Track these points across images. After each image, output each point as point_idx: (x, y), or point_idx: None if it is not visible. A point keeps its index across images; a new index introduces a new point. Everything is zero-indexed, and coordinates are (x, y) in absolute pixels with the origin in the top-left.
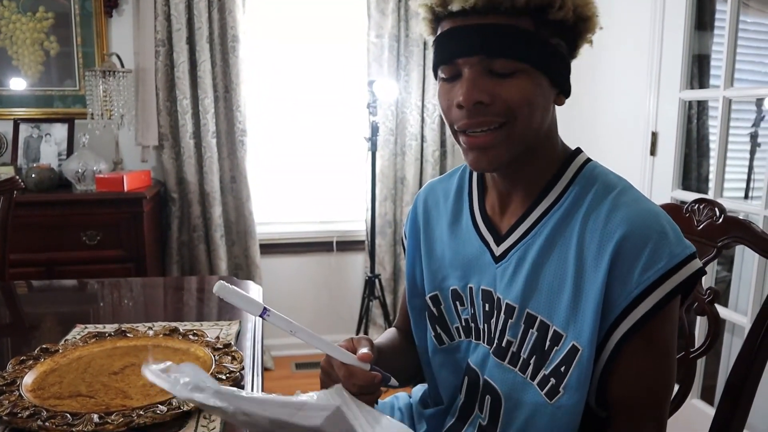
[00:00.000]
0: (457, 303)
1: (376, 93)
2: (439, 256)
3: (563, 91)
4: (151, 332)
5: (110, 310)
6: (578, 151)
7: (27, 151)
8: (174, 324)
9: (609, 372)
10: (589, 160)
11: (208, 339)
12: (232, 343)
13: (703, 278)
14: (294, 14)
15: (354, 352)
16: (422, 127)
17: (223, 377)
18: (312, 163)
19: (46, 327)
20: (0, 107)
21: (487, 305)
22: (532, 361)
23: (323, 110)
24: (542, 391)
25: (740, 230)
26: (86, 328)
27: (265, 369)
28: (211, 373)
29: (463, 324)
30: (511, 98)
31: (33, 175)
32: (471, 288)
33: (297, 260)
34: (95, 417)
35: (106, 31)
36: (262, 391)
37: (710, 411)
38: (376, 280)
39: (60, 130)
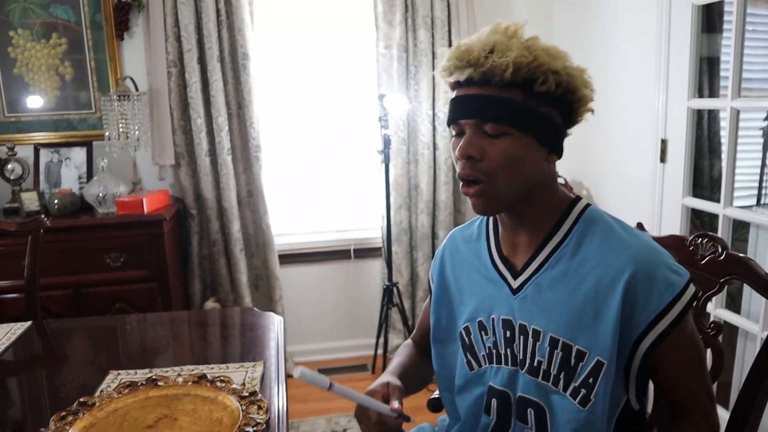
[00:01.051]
0: (482, 333)
1: (387, 107)
2: (467, 292)
3: (554, 150)
4: (180, 380)
5: (139, 351)
6: (578, 198)
7: (48, 175)
8: (202, 368)
9: (654, 374)
10: (588, 205)
11: (234, 386)
12: (257, 388)
13: (708, 310)
14: (302, 29)
15: (388, 396)
16: (434, 136)
17: (250, 430)
18: (327, 173)
19: (81, 371)
20: (20, 133)
21: (508, 332)
22: (561, 376)
23: (336, 121)
24: (575, 400)
25: (741, 268)
26: (119, 374)
27: (287, 375)
28: (239, 426)
29: (487, 351)
30: (496, 156)
31: (56, 201)
32: (493, 319)
33: (316, 269)
34: None
35: (119, 54)
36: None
37: (724, 414)
38: (395, 288)
39: (79, 154)
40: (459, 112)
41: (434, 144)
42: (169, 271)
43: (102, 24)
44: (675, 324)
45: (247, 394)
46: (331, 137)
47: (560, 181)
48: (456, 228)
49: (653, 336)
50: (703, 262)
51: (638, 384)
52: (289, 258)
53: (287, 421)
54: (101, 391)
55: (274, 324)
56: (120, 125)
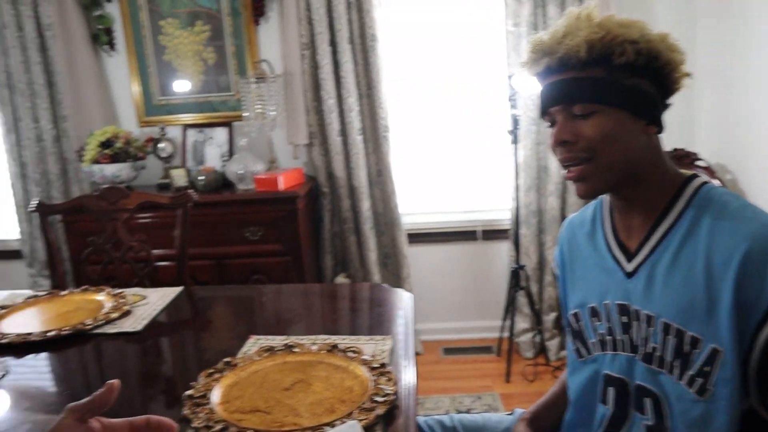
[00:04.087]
0: (594, 319)
1: (515, 86)
2: (581, 278)
3: (652, 122)
4: (314, 348)
5: (274, 320)
6: (694, 176)
7: (194, 154)
8: (334, 339)
9: None
10: (704, 183)
11: (365, 357)
12: (387, 361)
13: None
14: (429, 7)
15: None
16: None
17: (380, 399)
18: (455, 153)
19: (222, 336)
20: (170, 114)
21: (624, 317)
22: (677, 364)
23: (464, 100)
24: (691, 389)
25: None
26: (259, 340)
27: (416, 353)
28: (369, 395)
29: (599, 338)
30: (590, 135)
31: (201, 178)
32: (606, 304)
33: (442, 249)
34: None
35: (256, 38)
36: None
37: None
38: (522, 271)
39: (221, 133)
40: (546, 101)
41: None
42: (302, 246)
43: (240, 11)
44: None
45: (377, 366)
46: (460, 117)
47: (700, 164)
48: (573, 214)
49: None
50: None
51: (763, 387)
52: (417, 237)
53: (415, 395)
54: (243, 353)
55: (403, 300)
56: (257, 106)
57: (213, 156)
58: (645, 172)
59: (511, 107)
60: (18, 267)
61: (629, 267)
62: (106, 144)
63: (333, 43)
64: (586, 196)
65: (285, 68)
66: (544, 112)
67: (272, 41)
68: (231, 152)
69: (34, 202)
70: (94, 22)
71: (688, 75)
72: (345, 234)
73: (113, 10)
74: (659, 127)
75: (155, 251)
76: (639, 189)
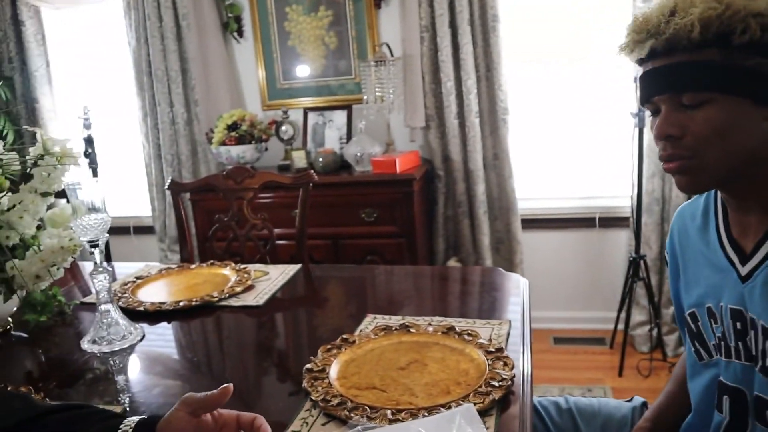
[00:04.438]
0: (711, 321)
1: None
2: (694, 275)
3: None
4: (430, 329)
5: (387, 300)
6: None
7: (314, 136)
8: (450, 321)
9: None
10: None
11: (481, 341)
12: (504, 346)
13: None
14: None
15: None
16: None
17: (496, 384)
18: (574, 137)
19: (337, 314)
20: (292, 98)
21: (738, 324)
22: None
23: (586, 82)
24: None
25: None
26: (375, 318)
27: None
28: (485, 379)
29: (716, 342)
30: (700, 130)
31: (320, 159)
32: (722, 306)
33: (558, 235)
34: (389, 413)
35: (376, 22)
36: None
37: None
38: (642, 261)
39: (340, 116)
40: (649, 89)
41: None
42: (416, 228)
43: None
44: None
45: (493, 350)
46: (580, 100)
47: None
48: (685, 202)
49: None
50: None
51: None
52: (532, 223)
53: (531, 382)
54: (360, 330)
55: (519, 286)
56: (376, 89)
57: (332, 138)
58: (761, 164)
59: (636, 89)
60: (150, 241)
61: (744, 270)
62: (232, 126)
63: (453, 25)
64: (689, 191)
65: (404, 51)
66: (647, 100)
67: (393, 24)
68: (349, 135)
69: (168, 182)
70: (225, 11)
71: None
72: (458, 217)
73: None
74: None
75: (276, 230)
76: (755, 184)
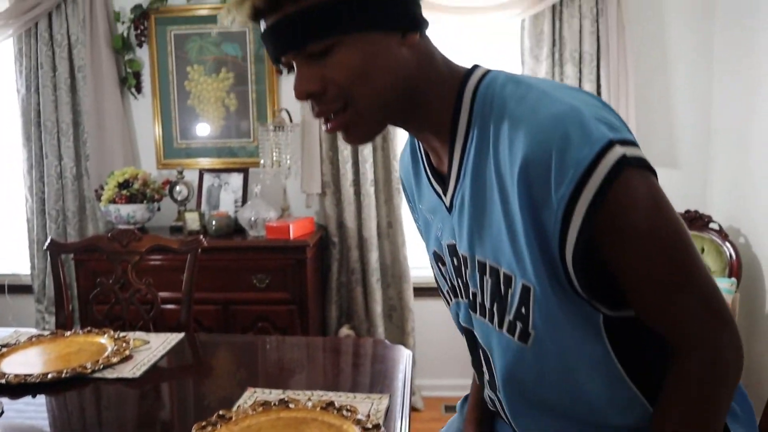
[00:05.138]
0: (440, 264)
1: None
2: (422, 220)
3: (410, 29)
4: (309, 404)
5: (276, 370)
6: (470, 71)
7: (209, 198)
8: (330, 395)
9: (621, 287)
10: (483, 76)
11: (359, 417)
12: (381, 421)
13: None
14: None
15: None
16: None
17: None
18: None
19: (222, 384)
20: (189, 158)
21: (455, 259)
22: (495, 310)
23: None
24: (514, 337)
25: None
26: (255, 392)
27: (413, 409)
28: None
29: (449, 285)
30: (337, 77)
31: (214, 222)
32: (443, 245)
33: None
34: None
35: (277, 86)
36: None
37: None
38: None
39: (236, 179)
40: (274, 51)
41: None
42: (309, 295)
43: (264, 58)
44: (599, 203)
45: (370, 426)
46: None
47: (713, 227)
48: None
49: (574, 233)
50: None
51: (602, 296)
52: (424, 291)
53: None
54: (238, 406)
55: (403, 357)
56: (274, 154)
57: (227, 201)
58: (418, 89)
59: None
60: (26, 302)
61: (447, 201)
62: (124, 184)
63: None
64: (358, 143)
65: (303, 117)
66: (276, 61)
67: (293, 90)
68: (245, 198)
69: (47, 241)
70: (124, 66)
71: None
72: (352, 285)
73: (143, 55)
74: (420, 28)
75: (163, 293)
76: (419, 111)
